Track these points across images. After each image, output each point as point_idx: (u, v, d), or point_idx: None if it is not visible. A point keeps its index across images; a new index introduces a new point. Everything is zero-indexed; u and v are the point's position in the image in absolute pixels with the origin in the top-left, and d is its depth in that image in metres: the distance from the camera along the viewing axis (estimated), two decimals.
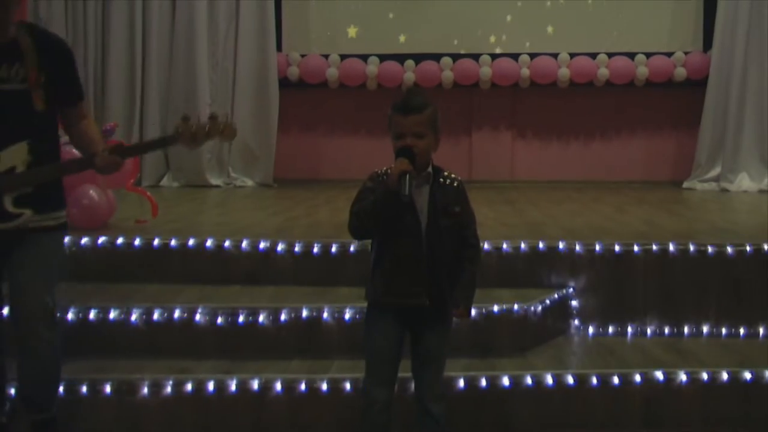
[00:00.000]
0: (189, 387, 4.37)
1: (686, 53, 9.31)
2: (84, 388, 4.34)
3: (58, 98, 3.74)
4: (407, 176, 3.26)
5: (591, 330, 5.26)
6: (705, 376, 4.54)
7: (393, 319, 3.49)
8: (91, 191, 5.75)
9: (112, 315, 4.75)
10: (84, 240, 5.38)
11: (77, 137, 3.87)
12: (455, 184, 3.53)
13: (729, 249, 5.29)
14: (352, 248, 5.28)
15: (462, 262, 3.51)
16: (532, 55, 9.32)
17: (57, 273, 3.84)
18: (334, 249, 5.32)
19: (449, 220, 3.45)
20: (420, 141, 3.39)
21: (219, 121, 3.64)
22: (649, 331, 5.25)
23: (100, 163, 3.66)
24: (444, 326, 3.56)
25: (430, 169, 3.48)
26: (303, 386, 4.39)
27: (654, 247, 5.30)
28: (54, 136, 3.82)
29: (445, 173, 3.53)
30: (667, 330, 5.25)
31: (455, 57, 9.34)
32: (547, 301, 5.06)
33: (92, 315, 4.74)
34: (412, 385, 3.68)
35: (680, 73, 9.24)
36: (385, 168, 3.47)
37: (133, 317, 4.74)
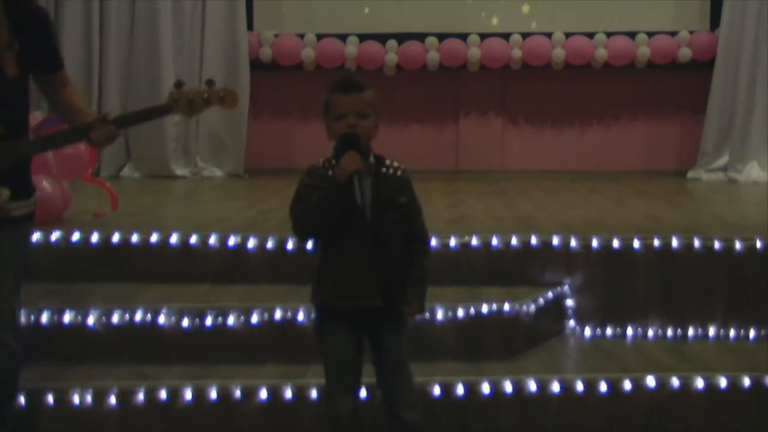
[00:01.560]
0: (157, 395, 4.36)
1: (691, 32, 9.31)
2: (47, 398, 4.33)
3: (34, 65, 3.67)
4: (358, 177, 3.25)
5: (588, 332, 5.28)
6: (711, 381, 4.55)
7: (345, 323, 3.48)
8: (43, 182, 5.68)
9: (67, 318, 4.72)
10: (35, 236, 5.30)
11: (62, 107, 3.80)
12: (399, 173, 3.51)
13: (737, 244, 5.31)
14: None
15: (411, 257, 3.50)
16: (525, 35, 9.32)
17: (24, 272, 3.81)
18: (309, 245, 5.28)
19: (396, 212, 3.45)
20: (363, 121, 3.38)
21: (218, 87, 3.57)
22: (650, 332, 5.27)
23: (96, 135, 3.57)
24: (400, 326, 3.55)
25: (372, 159, 3.47)
26: (277, 392, 4.39)
27: (656, 242, 5.31)
28: (26, 106, 3.76)
29: (387, 162, 3.51)
30: (670, 332, 5.27)
31: (441, 36, 9.33)
32: (541, 301, 5.07)
33: (45, 318, 4.71)
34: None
35: (685, 53, 9.25)
36: (322, 160, 3.46)
37: (90, 320, 4.72)
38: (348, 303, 3.44)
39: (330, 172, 3.39)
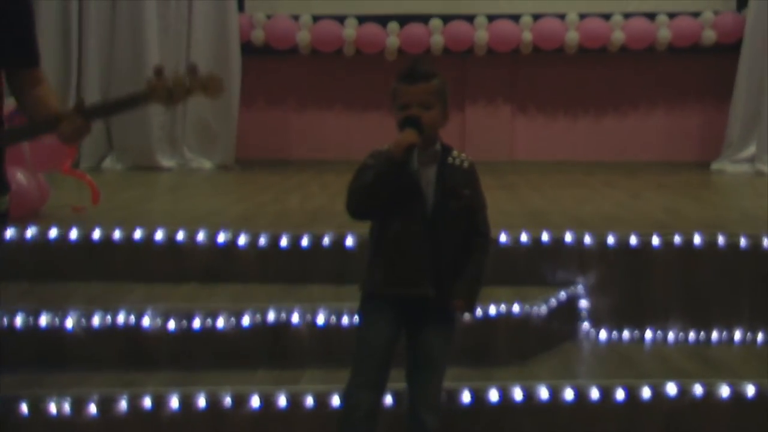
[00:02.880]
0: (141, 403, 4.33)
1: (716, 13, 9.29)
2: (21, 407, 4.32)
3: (6, 57, 3.57)
4: (414, 150, 3.38)
5: (603, 334, 5.26)
6: (736, 389, 4.53)
7: (390, 314, 3.55)
8: (18, 174, 5.66)
9: (44, 320, 4.70)
10: (9, 231, 5.24)
11: (32, 105, 3.64)
12: (465, 165, 3.65)
13: (765, 241, 5.30)
14: (326, 241, 5.26)
15: (470, 253, 3.57)
16: (536, 17, 9.31)
17: None
18: (305, 241, 5.29)
19: (457, 203, 3.52)
20: (427, 112, 3.47)
21: (201, 74, 3.43)
22: (671, 336, 5.26)
23: (65, 128, 3.43)
24: (447, 325, 3.62)
25: (438, 146, 3.54)
26: (270, 399, 4.37)
27: (676, 239, 5.30)
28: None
29: (455, 153, 3.63)
30: (692, 335, 5.25)
31: (446, 18, 9.31)
32: (552, 301, 5.06)
33: (19, 321, 4.69)
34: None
35: (709, 36, 9.23)
36: (388, 145, 3.50)
37: (69, 323, 4.70)
38: (397, 290, 3.49)
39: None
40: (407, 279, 3.50)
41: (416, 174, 3.42)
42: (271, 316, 4.76)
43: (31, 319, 4.70)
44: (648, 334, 5.27)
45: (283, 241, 5.32)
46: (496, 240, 5.29)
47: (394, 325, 3.57)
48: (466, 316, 3.76)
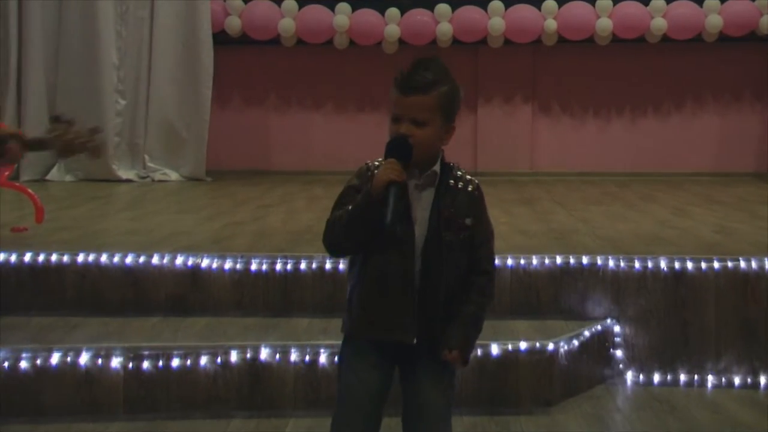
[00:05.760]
0: None
1: None
2: None
3: None
4: (395, 191, 3.22)
5: (642, 377, 5.26)
6: None
7: (374, 359, 3.48)
8: None
9: None
10: None
11: None
12: (470, 189, 3.50)
13: None
14: (313, 265, 5.26)
15: (468, 293, 3.51)
16: (561, 1, 9.33)
17: None
18: (289, 266, 5.30)
19: (456, 234, 3.45)
20: (419, 130, 3.34)
21: (87, 136, 3.77)
22: (723, 379, 5.25)
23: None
24: (444, 374, 3.55)
25: (437, 166, 3.46)
26: None
27: (729, 264, 5.30)
28: None
29: (459, 173, 3.51)
30: (749, 379, 5.25)
31: (455, 4, 9.33)
32: (582, 338, 5.06)
33: None
34: None
35: (767, 23, 9.25)
36: (379, 160, 3.44)
37: (6, 363, 4.69)
38: (372, 334, 3.45)
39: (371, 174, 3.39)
40: (384, 322, 3.40)
41: (393, 226, 3.23)
42: (249, 354, 4.75)
43: None
44: (695, 377, 5.26)
45: (263, 266, 5.33)
46: (517, 265, 5.30)
47: (381, 370, 3.48)
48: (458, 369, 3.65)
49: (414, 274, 3.39)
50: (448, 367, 3.55)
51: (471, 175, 3.50)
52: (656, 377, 5.25)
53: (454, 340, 3.41)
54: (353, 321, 3.48)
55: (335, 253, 3.53)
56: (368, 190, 3.25)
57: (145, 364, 4.71)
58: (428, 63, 3.44)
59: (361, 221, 3.28)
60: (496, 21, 9.22)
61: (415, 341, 3.41)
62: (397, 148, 3.28)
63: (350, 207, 3.32)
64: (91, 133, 3.69)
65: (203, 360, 4.72)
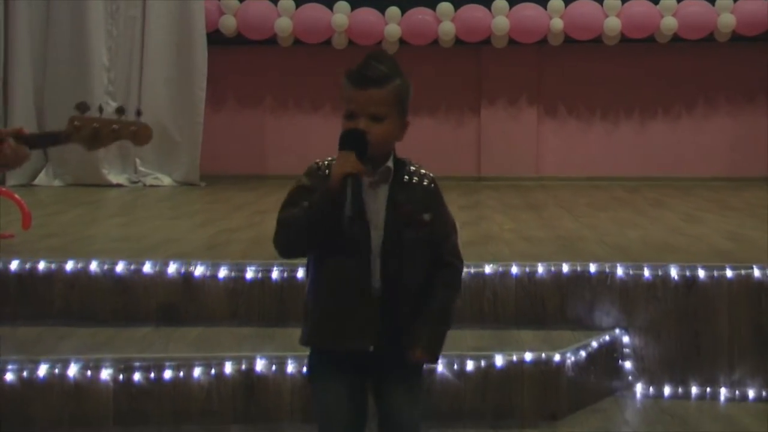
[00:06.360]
0: None
1: None
2: None
3: None
4: (352, 182, 3.20)
5: (652, 390, 5.25)
6: None
7: (343, 371, 3.45)
8: None
9: None
10: None
11: None
12: (425, 183, 3.48)
13: None
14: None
15: (433, 287, 3.48)
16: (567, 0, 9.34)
17: None
18: (285, 274, 5.30)
19: (415, 231, 3.43)
20: (376, 126, 3.33)
21: (129, 119, 3.62)
22: (737, 392, 5.24)
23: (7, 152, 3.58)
24: (412, 382, 3.53)
25: (390, 162, 3.44)
26: None
27: (742, 272, 5.29)
28: None
29: (413, 168, 3.48)
30: (764, 392, 5.23)
31: (458, 2, 9.34)
32: (590, 348, 5.05)
33: None
34: None
35: None
36: (329, 159, 3.43)
37: None
38: (327, 343, 3.43)
39: (327, 173, 3.36)
40: (343, 330, 3.36)
41: (353, 215, 3.20)
42: (244, 365, 4.74)
43: None
44: (708, 390, 5.25)
45: (258, 274, 5.33)
46: (521, 273, 5.29)
47: (353, 380, 3.47)
48: (427, 367, 3.60)
49: (371, 277, 3.36)
50: (417, 375, 3.53)
51: (425, 171, 3.45)
52: (667, 390, 5.24)
53: (418, 337, 3.39)
54: (311, 330, 3.45)
55: (288, 254, 3.48)
56: (326, 188, 3.23)
57: (136, 376, 4.69)
58: (380, 56, 3.45)
59: (321, 220, 3.24)
60: (500, 20, 9.23)
61: (371, 348, 3.37)
62: (353, 142, 3.26)
63: (307, 206, 3.29)
64: (119, 115, 3.62)
65: (196, 372, 4.71)
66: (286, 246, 3.42)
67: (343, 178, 3.19)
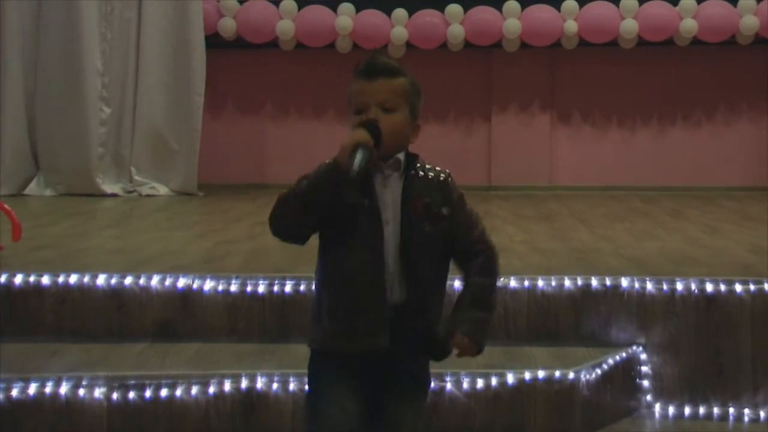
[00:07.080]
0: None
1: None
2: None
3: None
4: (362, 151, 3.19)
5: (671, 410, 5.24)
6: None
7: (347, 378, 3.43)
8: None
9: None
10: None
11: None
12: (441, 177, 3.49)
13: None
14: (313, 287, 5.24)
15: (466, 278, 3.46)
16: (582, 1, 9.34)
17: None
18: (287, 288, 5.30)
19: (434, 226, 3.42)
20: (389, 116, 3.35)
21: None
22: (761, 413, 5.23)
23: None
24: (417, 390, 3.51)
25: (401, 155, 3.44)
26: None
27: (766, 286, 5.28)
28: None
29: (427, 165, 3.49)
30: None
31: (467, 4, 9.34)
32: (605, 366, 5.04)
33: None
34: None
35: None
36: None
37: None
38: (347, 344, 3.41)
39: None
40: (353, 329, 3.35)
41: (355, 174, 3.17)
42: (243, 384, 4.73)
43: None
44: (731, 411, 5.24)
45: (260, 288, 5.33)
46: (533, 287, 5.29)
47: (358, 389, 3.46)
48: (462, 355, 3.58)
49: (382, 274, 3.34)
50: (424, 383, 3.53)
51: (440, 168, 3.47)
52: (687, 410, 5.23)
53: (457, 322, 3.39)
54: (322, 332, 3.44)
55: (280, 229, 3.45)
56: (334, 158, 3.21)
57: (131, 395, 4.69)
58: (386, 53, 3.48)
59: (321, 186, 3.23)
60: (512, 23, 9.23)
61: (385, 345, 3.34)
62: (367, 127, 3.26)
63: (311, 174, 3.27)
64: None
65: (194, 390, 4.70)
66: (280, 219, 3.39)
67: (353, 148, 3.18)
